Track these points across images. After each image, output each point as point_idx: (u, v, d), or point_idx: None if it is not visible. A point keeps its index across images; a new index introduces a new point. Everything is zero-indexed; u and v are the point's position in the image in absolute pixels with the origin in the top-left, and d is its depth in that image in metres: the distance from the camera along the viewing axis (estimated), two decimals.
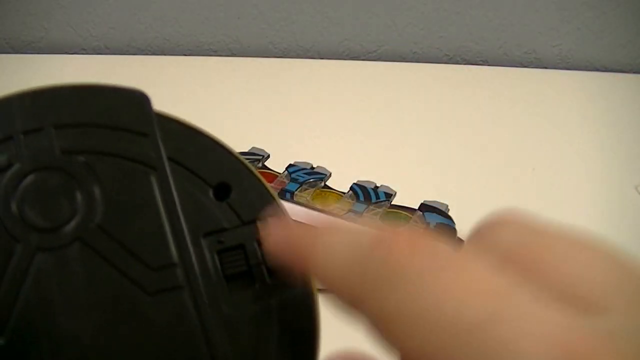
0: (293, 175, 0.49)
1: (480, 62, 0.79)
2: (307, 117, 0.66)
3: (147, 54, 0.81)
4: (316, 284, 0.19)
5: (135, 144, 0.19)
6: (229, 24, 0.78)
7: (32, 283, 0.17)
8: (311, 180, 0.48)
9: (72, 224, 0.18)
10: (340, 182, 0.49)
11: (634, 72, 0.76)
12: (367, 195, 0.47)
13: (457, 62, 0.79)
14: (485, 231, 0.15)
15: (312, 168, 0.50)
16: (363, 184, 0.48)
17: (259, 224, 0.19)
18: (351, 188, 0.48)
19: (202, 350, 0.17)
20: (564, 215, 0.56)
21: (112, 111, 0.19)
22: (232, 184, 0.19)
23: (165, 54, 0.81)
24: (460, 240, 0.45)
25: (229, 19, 0.78)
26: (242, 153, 0.51)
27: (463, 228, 0.46)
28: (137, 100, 0.20)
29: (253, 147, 0.52)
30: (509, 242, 0.14)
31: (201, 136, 0.20)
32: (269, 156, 0.51)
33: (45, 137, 0.18)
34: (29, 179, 0.18)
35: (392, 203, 0.47)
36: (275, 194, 0.20)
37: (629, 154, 0.62)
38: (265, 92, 0.70)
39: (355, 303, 0.14)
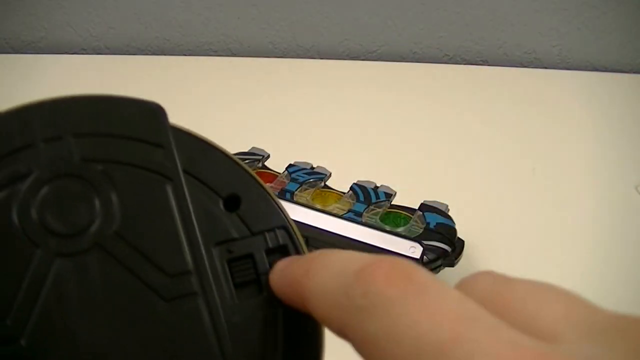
0: (293, 175, 0.49)
1: (480, 62, 0.79)
2: (307, 117, 0.66)
3: (147, 54, 0.81)
4: None
5: (152, 155, 0.20)
6: (229, 24, 0.78)
7: (51, 287, 0.18)
8: (311, 180, 0.48)
9: (91, 230, 0.19)
10: (340, 182, 0.49)
11: (634, 72, 0.76)
12: (367, 195, 0.47)
13: (457, 62, 0.79)
14: (464, 283, 0.16)
15: (312, 168, 0.50)
16: (363, 184, 0.48)
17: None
18: (351, 188, 0.48)
19: (216, 356, 0.18)
20: (564, 215, 0.56)
21: (129, 122, 0.20)
22: (242, 196, 0.20)
23: (165, 54, 0.81)
24: (460, 240, 0.45)
25: (229, 19, 0.78)
26: (242, 153, 0.51)
27: (463, 228, 0.46)
28: (153, 112, 0.20)
29: (253, 147, 0.52)
30: (482, 290, 0.16)
31: (212, 149, 0.21)
32: (269, 156, 0.51)
33: (65, 145, 0.19)
34: (49, 186, 0.19)
35: (392, 203, 0.47)
36: (281, 204, 0.21)
37: (629, 154, 0.62)
38: (265, 92, 0.70)
39: (342, 330, 0.15)
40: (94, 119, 0.20)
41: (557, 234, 0.52)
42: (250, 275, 0.19)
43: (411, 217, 0.46)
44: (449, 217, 0.46)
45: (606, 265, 0.49)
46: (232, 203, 0.20)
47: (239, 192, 0.20)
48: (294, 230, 0.20)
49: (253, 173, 0.21)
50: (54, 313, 0.18)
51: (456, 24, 0.76)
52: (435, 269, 0.44)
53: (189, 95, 0.70)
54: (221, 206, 0.20)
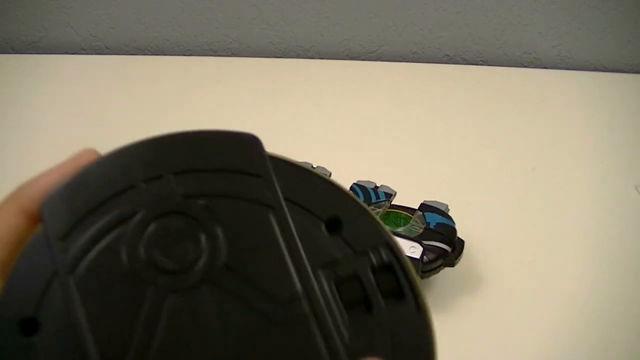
0: None
1: (480, 62, 0.79)
2: (307, 117, 0.66)
3: (147, 54, 0.81)
4: (427, 302, 0.20)
5: (252, 185, 0.20)
6: (229, 24, 0.78)
7: (166, 324, 0.18)
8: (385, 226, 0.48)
9: (199, 264, 0.19)
10: (340, 182, 0.49)
11: (634, 72, 0.76)
12: (367, 195, 0.47)
13: (457, 62, 0.79)
14: None
15: (312, 168, 0.50)
16: (363, 184, 0.48)
17: None
18: (351, 188, 0.48)
19: None
20: (564, 215, 0.56)
21: (227, 155, 0.20)
22: (342, 217, 0.21)
23: (165, 54, 0.81)
24: (460, 240, 0.45)
25: (229, 19, 0.78)
26: None
27: (463, 228, 0.46)
28: (249, 143, 0.21)
29: None
30: None
31: (310, 174, 0.21)
32: None
33: (166, 184, 0.20)
34: (154, 224, 0.19)
35: (392, 203, 0.47)
36: (381, 222, 0.21)
37: (629, 154, 0.62)
38: (265, 92, 0.70)
39: None
40: (192, 156, 0.20)
41: (557, 234, 0.52)
42: (357, 294, 0.20)
43: (411, 217, 0.46)
44: (449, 217, 0.46)
45: (606, 265, 0.49)
46: (334, 225, 0.21)
47: (339, 214, 0.21)
48: (396, 247, 0.20)
49: (351, 194, 0.21)
50: (170, 349, 0.18)
51: (456, 24, 0.76)
52: (435, 269, 0.44)
53: (188, 95, 0.70)
54: (323, 229, 0.20)
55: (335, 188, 0.21)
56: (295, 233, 0.20)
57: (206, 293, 0.19)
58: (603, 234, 0.52)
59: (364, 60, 0.79)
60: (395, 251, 0.20)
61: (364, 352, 0.19)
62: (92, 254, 0.19)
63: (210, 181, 0.20)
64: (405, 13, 0.76)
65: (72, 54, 0.81)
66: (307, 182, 0.21)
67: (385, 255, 0.20)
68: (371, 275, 0.20)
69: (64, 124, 0.65)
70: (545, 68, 0.77)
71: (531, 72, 0.76)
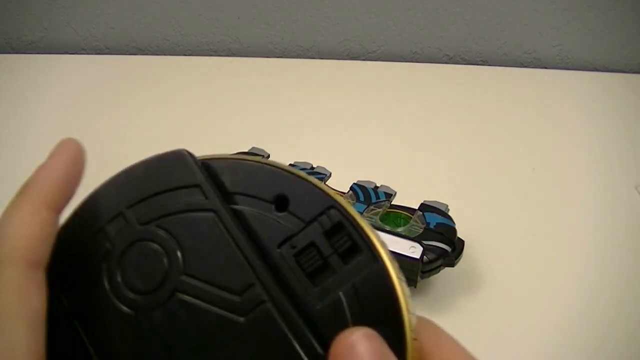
0: None
1: (480, 62, 0.79)
2: (307, 117, 0.66)
3: (147, 54, 0.81)
4: (384, 250, 0.21)
5: (191, 196, 0.22)
6: (229, 24, 0.78)
7: (156, 338, 0.21)
8: (329, 189, 0.48)
9: (168, 278, 0.21)
10: (340, 182, 0.49)
11: (634, 72, 0.76)
12: (367, 195, 0.47)
13: (457, 62, 0.79)
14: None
15: (312, 168, 0.50)
16: (363, 184, 0.48)
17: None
18: (351, 188, 0.48)
19: (298, 351, 0.20)
20: (564, 215, 0.56)
21: (163, 177, 0.23)
22: (287, 194, 0.22)
23: (165, 54, 0.81)
24: (460, 240, 0.45)
25: (229, 19, 0.78)
26: (242, 153, 0.51)
27: (463, 228, 0.46)
28: (180, 159, 0.23)
29: (253, 147, 0.52)
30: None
31: (245, 163, 0.23)
32: (269, 156, 0.51)
33: (124, 219, 0.22)
34: (126, 255, 0.22)
35: (392, 203, 0.47)
36: (325, 187, 0.22)
37: (629, 154, 0.62)
38: (265, 92, 0.70)
39: None
40: (138, 187, 0.23)
41: (557, 234, 0.52)
42: (318, 261, 0.21)
43: (411, 217, 0.46)
44: (449, 217, 0.46)
45: (606, 265, 0.49)
46: (281, 203, 0.22)
47: (283, 191, 0.22)
48: (343, 207, 0.22)
49: (290, 169, 0.23)
50: (163, 358, 0.20)
51: (456, 24, 0.76)
52: (435, 269, 0.44)
53: (189, 95, 0.70)
54: (272, 209, 0.22)
55: (274, 168, 0.23)
56: (240, 225, 0.22)
57: (178, 303, 0.21)
58: (603, 234, 0.52)
59: (364, 60, 0.80)
60: (343, 211, 0.22)
61: (334, 316, 0.20)
62: (90, 296, 0.22)
63: (157, 204, 0.22)
64: (405, 13, 0.76)
65: (72, 54, 0.81)
66: (245, 171, 0.23)
67: (334, 216, 0.22)
68: (325, 240, 0.21)
69: (63, 124, 0.65)
70: (545, 68, 0.77)
71: (531, 72, 0.76)
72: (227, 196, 0.22)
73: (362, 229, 0.21)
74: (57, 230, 0.21)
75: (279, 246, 0.21)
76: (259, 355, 0.20)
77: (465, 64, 0.78)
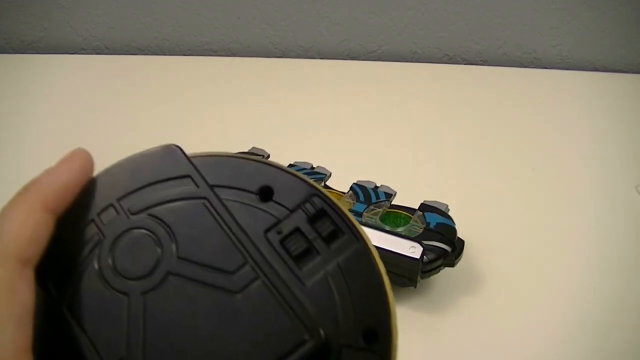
0: None
1: (480, 62, 0.79)
2: (307, 117, 0.66)
3: (147, 54, 0.81)
4: (364, 232, 0.23)
5: (182, 186, 0.23)
6: (229, 24, 0.78)
7: (149, 321, 0.21)
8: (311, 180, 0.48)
9: (160, 263, 0.22)
10: (340, 182, 0.49)
11: (634, 72, 0.76)
12: (367, 195, 0.47)
13: (457, 62, 0.79)
14: None
15: (312, 168, 0.50)
16: (363, 184, 0.48)
17: None
18: (351, 188, 0.48)
19: (292, 321, 0.21)
20: (564, 215, 0.56)
21: (155, 169, 0.24)
22: (271, 185, 0.24)
23: (165, 54, 0.81)
24: (460, 240, 0.45)
25: (229, 19, 0.78)
26: (242, 153, 0.51)
27: (463, 228, 0.46)
28: (170, 153, 0.24)
29: (253, 147, 0.52)
30: None
31: (230, 158, 0.24)
32: (269, 156, 0.51)
33: (114, 210, 0.23)
34: (117, 243, 0.23)
35: (392, 203, 0.47)
36: (307, 178, 0.24)
37: (629, 154, 0.62)
38: (265, 92, 0.70)
39: None
40: (129, 180, 0.24)
41: (557, 234, 0.52)
42: (303, 245, 0.23)
43: (411, 217, 0.46)
44: (449, 217, 0.46)
45: (606, 265, 0.49)
46: (266, 194, 0.24)
47: (267, 183, 0.24)
48: (325, 195, 0.24)
49: (274, 163, 0.24)
50: (160, 340, 0.21)
51: (456, 24, 0.76)
52: (435, 269, 0.44)
53: (189, 95, 0.70)
54: (257, 200, 0.23)
55: (258, 163, 0.24)
56: (230, 212, 0.23)
57: (172, 285, 0.22)
58: (603, 234, 0.52)
59: (364, 60, 0.80)
60: (325, 198, 0.23)
61: (322, 293, 0.22)
62: (80, 284, 0.22)
63: (148, 195, 0.23)
64: (405, 13, 0.76)
65: (72, 54, 0.81)
66: (231, 166, 0.24)
67: (317, 204, 0.23)
68: (309, 225, 0.23)
69: (64, 124, 0.65)
70: (545, 68, 0.77)
71: (531, 72, 0.76)
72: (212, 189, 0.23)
73: (343, 214, 0.23)
74: (51, 231, 0.22)
75: (266, 232, 0.23)
76: (254, 328, 0.21)
77: (465, 64, 0.78)
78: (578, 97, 0.70)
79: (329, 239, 0.23)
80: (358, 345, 0.21)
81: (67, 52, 0.81)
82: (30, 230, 0.21)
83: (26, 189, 0.22)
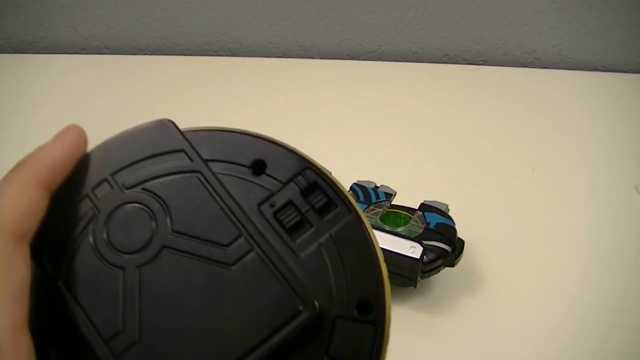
0: None
1: (480, 62, 0.79)
2: (307, 117, 0.66)
3: (147, 54, 0.81)
4: (357, 205, 0.23)
5: (176, 160, 0.23)
6: (229, 24, 0.78)
7: (144, 294, 0.22)
8: (304, 153, 0.48)
9: (154, 237, 0.22)
10: (340, 182, 0.49)
11: (634, 72, 0.76)
12: (367, 195, 0.47)
13: (457, 62, 0.79)
14: None
15: None
16: (363, 184, 0.48)
17: None
18: (351, 188, 0.48)
19: (287, 292, 0.21)
20: (564, 215, 0.56)
21: (148, 144, 0.24)
22: (264, 158, 0.24)
23: (165, 54, 0.81)
24: (460, 240, 0.45)
25: (229, 19, 0.78)
26: None
27: (463, 228, 0.46)
28: (164, 127, 0.24)
29: None
30: None
31: (224, 132, 0.24)
32: None
33: (109, 184, 0.23)
34: (111, 219, 0.23)
35: (392, 203, 0.47)
36: (300, 151, 0.24)
37: (629, 154, 0.62)
38: (265, 92, 0.70)
39: None
40: (123, 154, 0.24)
41: (557, 234, 0.52)
42: (296, 217, 0.23)
43: (411, 217, 0.46)
44: (449, 217, 0.46)
45: (606, 265, 0.49)
46: (259, 167, 0.24)
47: (260, 157, 0.24)
48: (318, 168, 0.24)
49: (266, 136, 0.24)
50: (155, 313, 0.21)
51: (456, 24, 0.76)
52: (435, 269, 0.44)
53: (189, 95, 0.70)
54: (250, 173, 0.24)
55: (251, 136, 0.24)
56: (223, 185, 0.23)
57: (167, 259, 0.22)
58: (603, 234, 0.52)
59: (364, 60, 0.80)
60: (317, 171, 0.24)
61: (315, 264, 0.22)
62: (76, 258, 0.22)
63: (142, 169, 0.23)
64: (405, 13, 0.76)
65: (72, 54, 0.81)
66: (224, 140, 0.24)
67: (310, 176, 0.24)
68: (302, 198, 0.23)
69: (63, 124, 0.65)
70: (545, 68, 0.77)
71: (531, 72, 0.76)
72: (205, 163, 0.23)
73: (336, 186, 0.23)
74: (45, 207, 0.21)
75: (259, 205, 0.23)
76: (249, 300, 0.21)
77: (465, 64, 0.78)
78: (578, 97, 0.70)
79: (322, 211, 0.23)
80: (352, 316, 0.22)
81: (67, 52, 0.81)
82: (24, 206, 0.20)
83: (20, 164, 0.21)
